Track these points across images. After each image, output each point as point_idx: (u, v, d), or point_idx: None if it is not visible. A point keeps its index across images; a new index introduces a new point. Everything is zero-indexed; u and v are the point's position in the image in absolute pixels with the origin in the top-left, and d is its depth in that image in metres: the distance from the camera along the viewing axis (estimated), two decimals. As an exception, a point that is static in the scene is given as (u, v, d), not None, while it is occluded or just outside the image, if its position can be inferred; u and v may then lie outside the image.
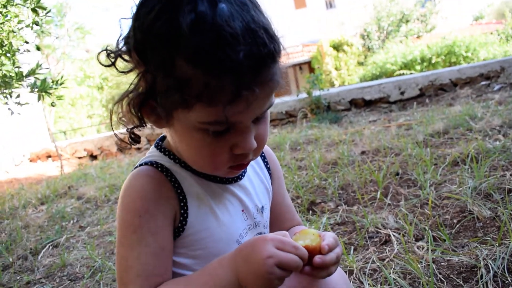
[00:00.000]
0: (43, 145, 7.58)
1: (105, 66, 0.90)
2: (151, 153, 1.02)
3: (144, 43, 0.82)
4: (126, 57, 0.89)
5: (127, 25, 0.88)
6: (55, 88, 2.95)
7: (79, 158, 7.40)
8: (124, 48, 0.89)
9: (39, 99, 2.93)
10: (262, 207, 1.09)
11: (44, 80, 2.85)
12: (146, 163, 0.97)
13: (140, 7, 0.84)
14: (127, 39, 0.88)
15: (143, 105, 0.88)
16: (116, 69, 0.90)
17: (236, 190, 1.03)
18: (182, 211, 0.95)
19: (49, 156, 7.45)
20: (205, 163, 0.92)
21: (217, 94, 0.78)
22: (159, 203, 0.92)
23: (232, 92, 0.77)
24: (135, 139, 0.97)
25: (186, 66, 0.77)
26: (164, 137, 1.04)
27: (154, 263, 0.90)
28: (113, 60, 0.90)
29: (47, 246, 2.75)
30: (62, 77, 3.06)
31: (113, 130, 0.96)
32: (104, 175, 5.11)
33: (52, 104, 3.31)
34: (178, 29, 0.76)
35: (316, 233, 0.89)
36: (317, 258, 0.85)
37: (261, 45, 0.78)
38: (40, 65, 2.88)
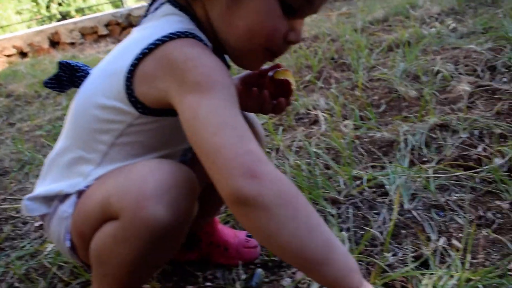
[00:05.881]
0: (-34, 43, 6.98)
1: None
2: (177, 21, 0.82)
3: None
4: None
5: None
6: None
7: (8, 56, 6.89)
8: None
9: None
10: None
11: None
12: (185, 34, 0.78)
13: None
14: None
15: None
16: None
17: None
18: None
19: (-25, 55, 6.91)
20: (263, 33, 0.81)
21: None
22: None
23: None
24: None
25: None
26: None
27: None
28: None
29: (-27, 143, 2.63)
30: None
31: None
32: (35, 72, 4.84)
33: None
34: None
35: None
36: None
37: None
38: None
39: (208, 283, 1.11)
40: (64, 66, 0.96)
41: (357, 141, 1.67)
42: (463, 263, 0.98)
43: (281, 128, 1.91)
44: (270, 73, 0.95)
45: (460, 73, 2.08)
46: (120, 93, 0.80)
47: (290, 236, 0.68)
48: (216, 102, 0.72)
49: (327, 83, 2.34)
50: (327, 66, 2.58)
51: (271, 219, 0.67)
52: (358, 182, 1.40)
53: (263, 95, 0.94)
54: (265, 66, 0.97)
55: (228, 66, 0.93)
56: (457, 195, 1.27)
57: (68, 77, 0.97)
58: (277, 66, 0.97)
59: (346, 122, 1.83)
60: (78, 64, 0.97)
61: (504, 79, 1.97)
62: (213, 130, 0.70)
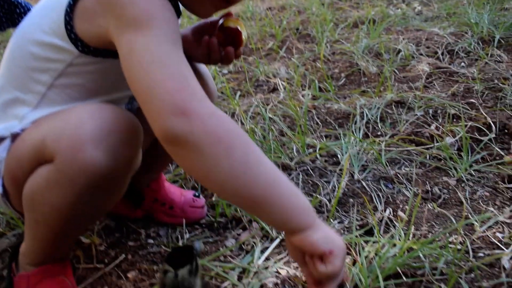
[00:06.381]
0: None
1: None
2: None
3: None
4: None
5: None
6: None
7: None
8: None
9: None
10: None
11: None
12: None
13: None
14: None
15: None
16: None
17: None
18: None
19: None
20: None
21: None
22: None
23: None
24: None
25: None
26: None
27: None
28: None
29: None
30: None
31: None
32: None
33: None
34: None
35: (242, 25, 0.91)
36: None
37: None
38: None
39: (150, 241, 1.07)
40: (1, 1, 0.88)
41: (313, 111, 1.65)
42: (406, 234, 0.99)
43: (239, 93, 1.87)
44: (220, 21, 0.91)
45: (420, 54, 2.10)
46: (60, 28, 0.74)
47: (224, 174, 0.64)
48: (153, 38, 0.67)
49: (289, 53, 2.31)
50: (291, 36, 2.54)
51: (202, 158, 0.64)
52: (311, 150, 1.39)
53: (210, 42, 0.89)
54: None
55: (179, 14, 0.87)
56: (407, 169, 1.28)
57: (6, 14, 0.89)
58: (229, 14, 0.92)
59: (304, 92, 1.81)
60: (18, 0, 0.89)
61: (463, 64, 1.99)
62: (147, 67, 0.65)
